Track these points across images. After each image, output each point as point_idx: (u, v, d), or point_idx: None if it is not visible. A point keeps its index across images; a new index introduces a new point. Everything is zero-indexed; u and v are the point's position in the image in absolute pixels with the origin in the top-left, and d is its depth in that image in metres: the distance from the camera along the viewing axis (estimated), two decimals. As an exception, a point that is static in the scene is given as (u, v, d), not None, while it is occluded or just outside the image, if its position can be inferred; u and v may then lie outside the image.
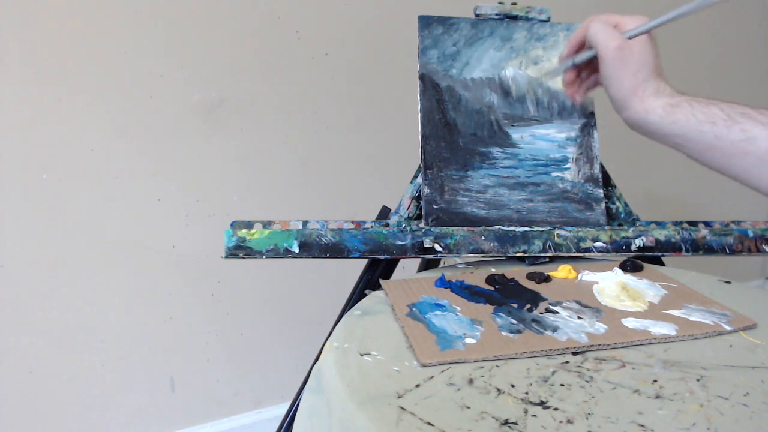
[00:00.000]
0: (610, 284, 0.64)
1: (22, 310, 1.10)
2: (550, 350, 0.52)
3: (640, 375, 0.49)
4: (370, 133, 1.34)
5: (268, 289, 1.31)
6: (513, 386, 0.47)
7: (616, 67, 0.61)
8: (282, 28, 1.21)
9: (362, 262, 0.79)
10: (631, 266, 0.70)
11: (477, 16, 0.82)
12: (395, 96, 1.31)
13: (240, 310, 1.30)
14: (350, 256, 0.72)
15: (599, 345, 0.53)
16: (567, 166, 0.79)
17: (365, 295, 0.67)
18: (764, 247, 0.80)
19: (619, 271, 0.69)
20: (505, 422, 0.42)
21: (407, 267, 0.95)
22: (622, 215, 0.80)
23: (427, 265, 0.88)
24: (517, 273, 0.70)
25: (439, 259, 0.83)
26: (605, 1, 1.22)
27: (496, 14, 0.82)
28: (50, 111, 1.05)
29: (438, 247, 0.73)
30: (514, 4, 0.82)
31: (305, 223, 0.72)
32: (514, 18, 0.82)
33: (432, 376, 0.48)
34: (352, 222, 0.73)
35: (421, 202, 0.75)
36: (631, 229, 0.77)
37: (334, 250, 0.71)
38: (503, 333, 0.55)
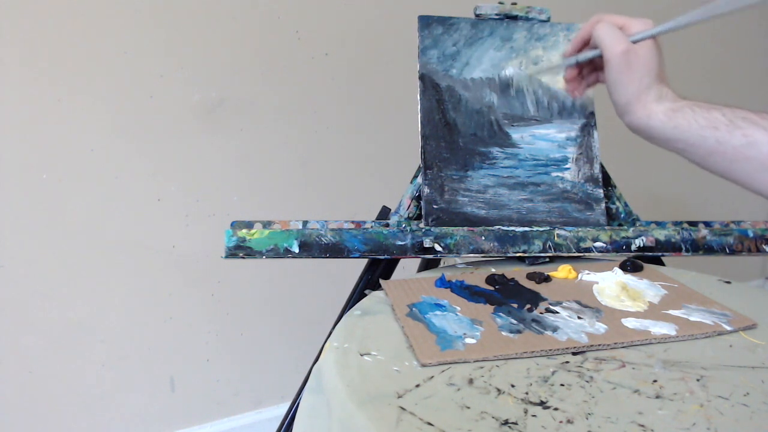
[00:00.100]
0: (610, 284, 0.64)
1: (22, 310, 1.10)
2: (550, 350, 0.52)
3: (640, 375, 0.49)
4: (370, 133, 1.34)
5: (268, 289, 1.31)
6: (513, 386, 0.47)
7: (621, 72, 0.61)
8: (282, 28, 1.21)
9: (362, 262, 0.79)
10: (631, 266, 0.70)
11: (477, 16, 0.82)
12: (395, 96, 1.31)
13: (240, 310, 1.30)
14: (350, 256, 0.72)
15: (599, 345, 0.53)
16: (567, 166, 0.79)
17: (365, 295, 0.67)
18: (764, 247, 0.80)
19: (619, 271, 0.69)
20: (505, 422, 0.42)
21: (407, 267, 0.95)
22: (622, 215, 0.80)
23: (427, 265, 0.88)
24: (517, 273, 0.70)
25: (439, 259, 0.83)
26: (605, 1, 1.22)
27: (496, 14, 0.82)
28: (50, 111, 1.05)
29: (438, 247, 0.73)
30: (514, 4, 0.82)
31: (305, 223, 0.72)
32: (514, 18, 0.82)
33: (432, 376, 0.48)
34: (352, 222, 0.73)
35: (421, 202, 0.75)
36: (631, 229, 0.77)
37: (334, 250, 0.71)
38: (503, 333, 0.55)
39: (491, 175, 0.78)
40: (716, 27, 1.77)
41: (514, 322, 0.57)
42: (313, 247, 0.71)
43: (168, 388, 1.26)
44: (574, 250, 0.75)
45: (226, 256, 0.70)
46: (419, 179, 0.76)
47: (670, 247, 0.78)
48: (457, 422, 0.42)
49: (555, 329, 0.55)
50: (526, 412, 0.43)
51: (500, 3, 0.82)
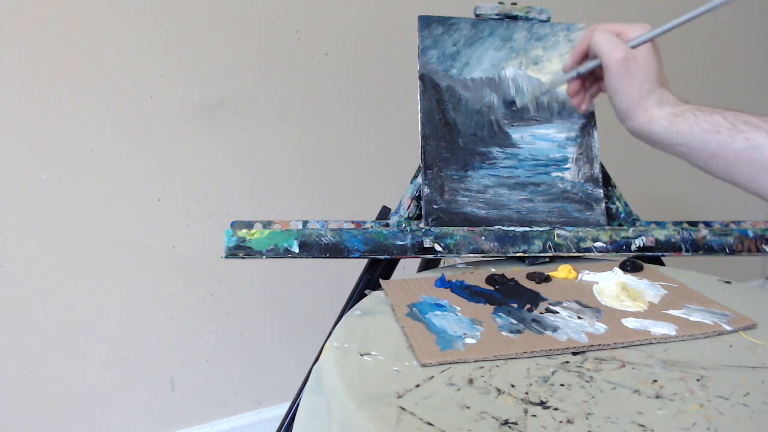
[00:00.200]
0: (610, 284, 0.64)
1: (22, 310, 1.10)
2: (550, 350, 0.52)
3: (640, 375, 0.49)
4: (370, 133, 1.34)
5: (268, 289, 1.31)
6: (513, 386, 0.47)
7: (621, 78, 0.61)
8: (282, 28, 1.21)
9: (362, 262, 0.80)
10: (631, 266, 0.70)
11: (477, 16, 0.82)
12: (395, 96, 1.31)
13: (240, 310, 1.30)
14: (350, 256, 0.72)
15: (599, 345, 0.53)
16: (567, 166, 0.79)
17: (365, 295, 0.67)
18: (764, 247, 0.80)
19: (619, 271, 0.69)
20: (505, 422, 0.42)
21: (407, 267, 0.95)
22: (622, 215, 0.80)
23: (427, 265, 0.88)
24: (517, 273, 0.70)
25: (439, 259, 0.83)
26: (605, 1, 1.22)
27: (496, 14, 0.82)
28: (50, 111, 1.05)
29: (438, 247, 0.73)
30: (514, 4, 0.82)
31: (305, 223, 0.72)
32: (514, 18, 0.82)
33: (432, 376, 0.48)
34: (352, 222, 0.73)
35: (421, 202, 0.75)
36: (631, 229, 0.77)
37: (334, 250, 0.71)
38: (503, 333, 0.55)
39: (491, 175, 0.78)
40: (716, 27, 1.78)
41: (514, 322, 0.57)
42: (313, 247, 0.71)
43: (168, 388, 1.26)
44: (574, 250, 0.75)
45: (226, 256, 0.70)
46: (419, 179, 0.76)
47: (670, 247, 0.78)
48: (457, 422, 0.42)
49: (555, 329, 0.55)
50: (526, 412, 0.43)
51: (500, 3, 0.82)
